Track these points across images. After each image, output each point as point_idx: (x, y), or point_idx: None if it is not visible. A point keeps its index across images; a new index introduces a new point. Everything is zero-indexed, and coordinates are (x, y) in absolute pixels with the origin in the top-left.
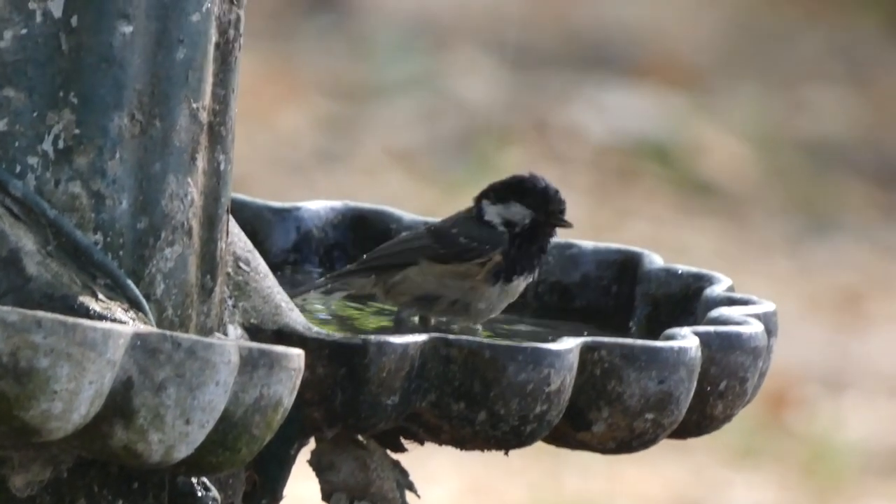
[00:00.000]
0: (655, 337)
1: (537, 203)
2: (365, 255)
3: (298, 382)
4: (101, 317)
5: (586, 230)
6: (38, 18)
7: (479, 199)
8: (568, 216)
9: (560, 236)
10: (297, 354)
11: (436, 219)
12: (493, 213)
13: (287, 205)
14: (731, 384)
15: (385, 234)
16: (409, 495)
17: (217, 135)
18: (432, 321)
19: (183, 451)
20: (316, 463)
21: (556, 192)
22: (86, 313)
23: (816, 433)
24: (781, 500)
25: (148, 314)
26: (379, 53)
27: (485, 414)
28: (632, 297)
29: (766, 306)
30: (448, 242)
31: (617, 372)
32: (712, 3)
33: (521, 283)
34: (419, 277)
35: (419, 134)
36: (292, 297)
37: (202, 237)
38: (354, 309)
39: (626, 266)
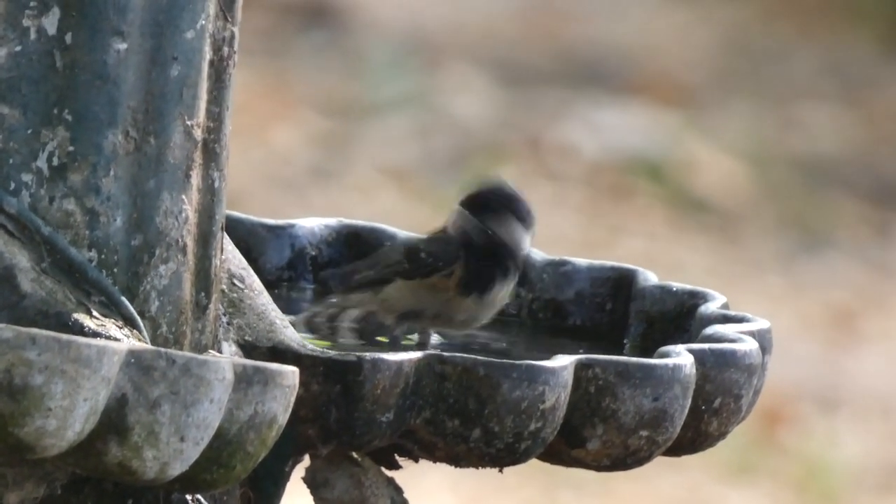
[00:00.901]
0: (650, 354)
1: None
2: (356, 265)
3: (293, 400)
4: (95, 334)
5: (579, 247)
6: (33, 36)
7: None
8: (557, 232)
9: (555, 254)
10: (291, 372)
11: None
12: (450, 222)
13: (281, 222)
14: (725, 401)
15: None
16: None
17: (211, 152)
18: (431, 334)
19: (177, 469)
20: (310, 480)
21: (482, 192)
22: (80, 330)
23: (810, 450)
24: None
25: (142, 331)
26: (372, 71)
27: (479, 431)
28: (626, 314)
29: (761, 324)
30: (413, 259)
31: (611, 389)
32: (705, 20)
33: (500, 292)
34: (398, 293)
35: (412, 151)
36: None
37: (196, 254)
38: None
39: (621, 283)
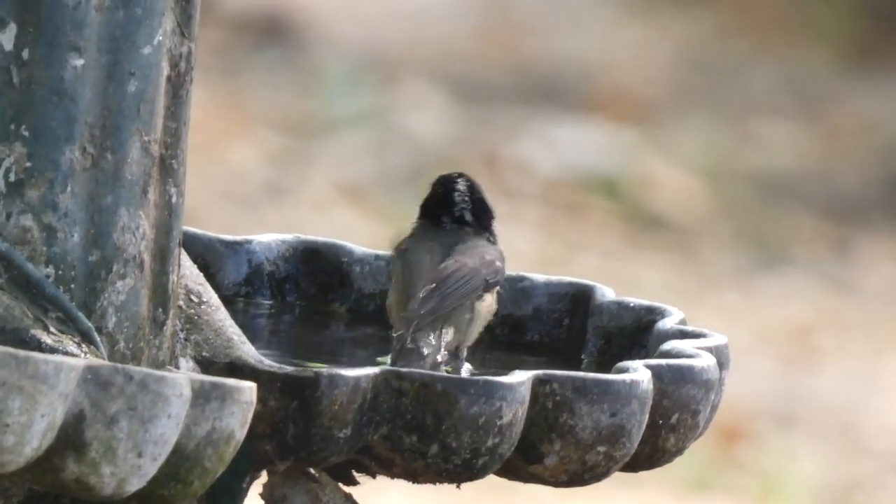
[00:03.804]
0: (607, 370)
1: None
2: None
3: (250, 415)
4: (52, 350)
5: (536, 264)
6: None
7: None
8: (517, 249)
9: (511, 269)
10: (248, 387)
11: (385, 252)
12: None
13: (239, 238)
14: (682, 417)
15: (336, 268)
16: None
17: (168, 168)
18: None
19: (135, 485)
20: (268, 496)
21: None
22: (37, 346)
23: (767, 467)
24: None
25: (100, 347)
26: (328, 87)
27: (437, 447)
28: (584, 330)
29: (718, 339)
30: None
31: (569, 405)
32: (661, 36)
33: None
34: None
35: (368, 168)
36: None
37: (154, 270)
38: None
39: (578, 299)
